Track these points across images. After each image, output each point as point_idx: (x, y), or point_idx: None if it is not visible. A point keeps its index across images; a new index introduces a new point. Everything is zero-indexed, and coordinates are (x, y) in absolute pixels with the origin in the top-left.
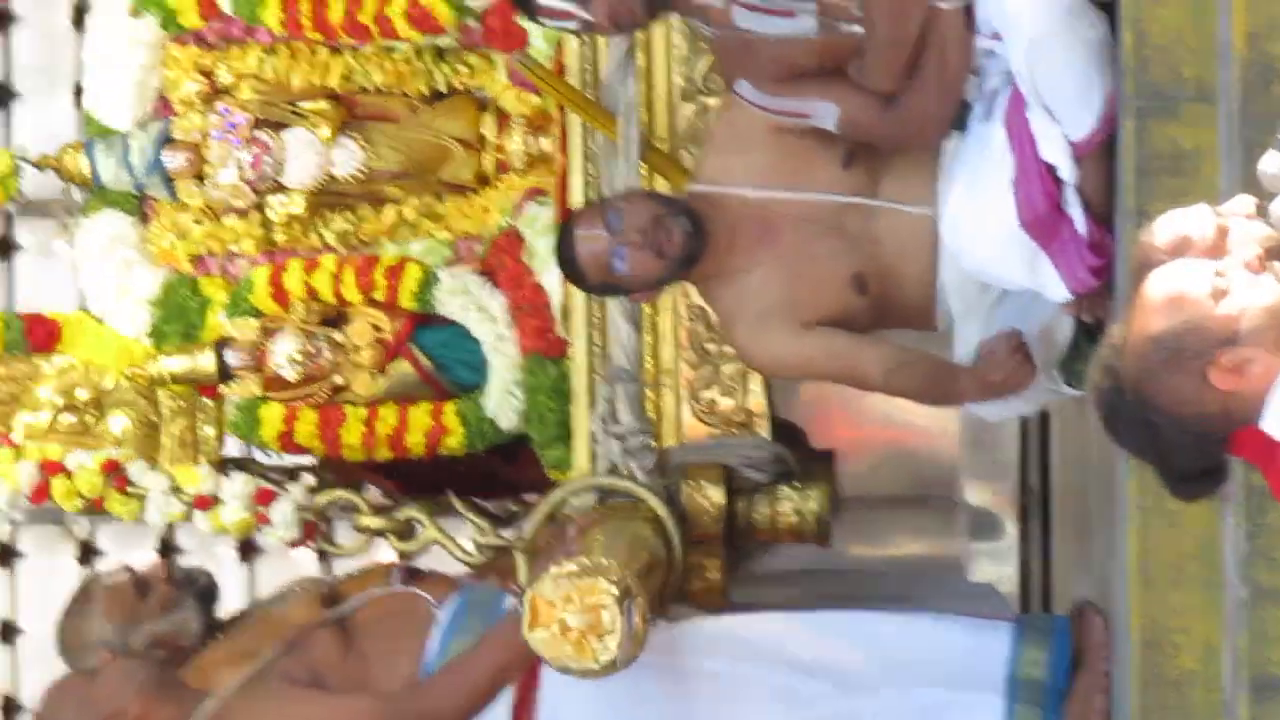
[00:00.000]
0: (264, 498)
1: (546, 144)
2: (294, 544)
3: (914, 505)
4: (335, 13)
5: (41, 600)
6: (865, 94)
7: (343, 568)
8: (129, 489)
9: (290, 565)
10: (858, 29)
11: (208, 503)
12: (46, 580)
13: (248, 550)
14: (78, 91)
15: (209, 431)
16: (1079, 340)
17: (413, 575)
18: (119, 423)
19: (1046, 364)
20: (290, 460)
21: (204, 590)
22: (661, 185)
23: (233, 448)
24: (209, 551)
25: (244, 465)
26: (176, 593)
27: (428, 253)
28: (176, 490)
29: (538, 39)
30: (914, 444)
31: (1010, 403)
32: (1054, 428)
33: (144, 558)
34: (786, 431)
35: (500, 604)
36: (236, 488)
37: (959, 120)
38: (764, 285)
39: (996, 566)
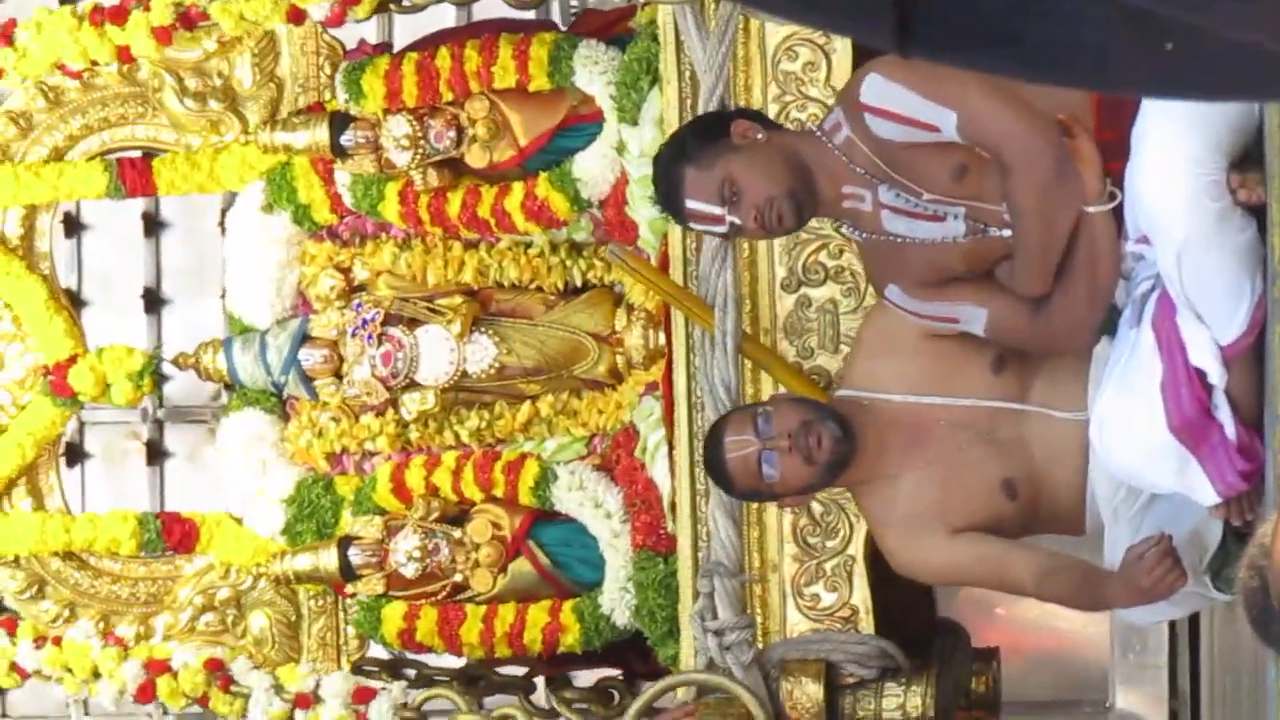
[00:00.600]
0: (362, 696)
1: (663, 338)
2: None
3: (1063, 710)
4: (453, 207)
5: None
6: (1014, 298)
7: None
8: (233, 688)
9: None
10: (1006, 233)
11: (308, 701)
12: None
13: None
14: (224, 294)
15: (351, 631)
16: (1228, 543)
17: None
18: (258, 622)
19: (1195, 568)
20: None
21: None
22: (767, 379)
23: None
24: None
25: (399, 664)
26: None
27: (561, 450)
28: (278, 689)
29: (646, 230)
30: (1063, 648)
31: (1159, 607)
32: (1203, 631)
33: None
34: (948, 629)
35: None
36: (335, 686)
37: (1108, 324)
38: (914, 490)
39: None
